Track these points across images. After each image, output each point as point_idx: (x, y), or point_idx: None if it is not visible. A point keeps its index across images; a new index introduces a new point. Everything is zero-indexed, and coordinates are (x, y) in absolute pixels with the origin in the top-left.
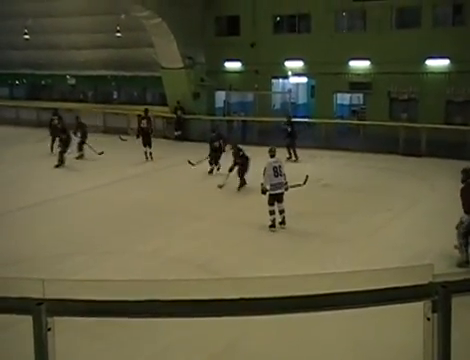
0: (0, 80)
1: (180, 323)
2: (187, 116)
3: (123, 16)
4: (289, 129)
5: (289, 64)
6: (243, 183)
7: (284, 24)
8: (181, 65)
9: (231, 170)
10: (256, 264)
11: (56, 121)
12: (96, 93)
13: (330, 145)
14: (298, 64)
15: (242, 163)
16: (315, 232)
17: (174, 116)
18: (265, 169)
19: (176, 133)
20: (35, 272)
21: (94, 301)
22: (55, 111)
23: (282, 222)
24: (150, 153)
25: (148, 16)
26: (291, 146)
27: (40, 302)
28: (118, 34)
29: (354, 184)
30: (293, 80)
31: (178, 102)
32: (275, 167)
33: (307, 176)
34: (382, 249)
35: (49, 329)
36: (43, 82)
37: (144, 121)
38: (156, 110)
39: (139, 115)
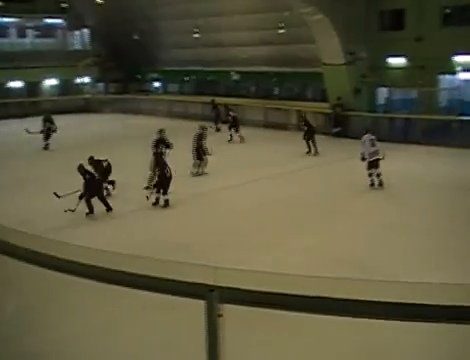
0: (172, 76)
1: (331, 322)
2: (347, 113)
3: (286, 13)
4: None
5: (459, 59)
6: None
7: (454, 16)
8: (343, 61)
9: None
10: (416, 269)
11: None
12: (258, 89)
13: None
14: (469, 59)
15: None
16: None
17: (333, 112)
18: (364, 141)
19: (335, 130)
20: (193, 261)
21: (265, 292)
22: (213, 100)
23: (380, 184)
24: (240, 136)
25: (311, 12)
26: (310, 140)
27: (212, 289)
28: (281, 31)
29: None
30: (463, 76)
31: (339, 98)
32: (371, 139)
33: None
34: None
35: (220, 315)
36: (209, 78)
37: (231, 112)
38: (316, 106)
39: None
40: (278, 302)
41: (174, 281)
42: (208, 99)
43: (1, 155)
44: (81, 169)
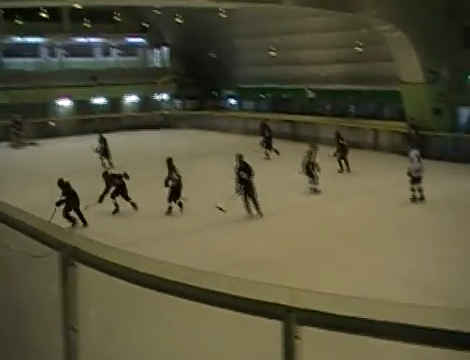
0: (247, 94)
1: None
2: (426, 133)
3: (364, 30)
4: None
5: None
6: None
7: None
8: (422, 79)
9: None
10: None
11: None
12: (334, 107)
13: None
14: None
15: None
16: None
17: (408, 132)
18: (412, 158)
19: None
20: (270, 277)
21: (345, 317)
22: (263, 121)
23: (421, 198)
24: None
25: (390, 30)
26: (343, 158)
27: (289, 310)
28: (358, 49)
29: None
30: None
31: (412, 119)
32: (418, 156)
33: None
34: None
35: (297, 337)
36: (284, 96)
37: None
38: (393, 125)
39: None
40: (356, 327)
41: (251, 300)
42: (284, 117)
43: (70, 170)
44: (61, 183)
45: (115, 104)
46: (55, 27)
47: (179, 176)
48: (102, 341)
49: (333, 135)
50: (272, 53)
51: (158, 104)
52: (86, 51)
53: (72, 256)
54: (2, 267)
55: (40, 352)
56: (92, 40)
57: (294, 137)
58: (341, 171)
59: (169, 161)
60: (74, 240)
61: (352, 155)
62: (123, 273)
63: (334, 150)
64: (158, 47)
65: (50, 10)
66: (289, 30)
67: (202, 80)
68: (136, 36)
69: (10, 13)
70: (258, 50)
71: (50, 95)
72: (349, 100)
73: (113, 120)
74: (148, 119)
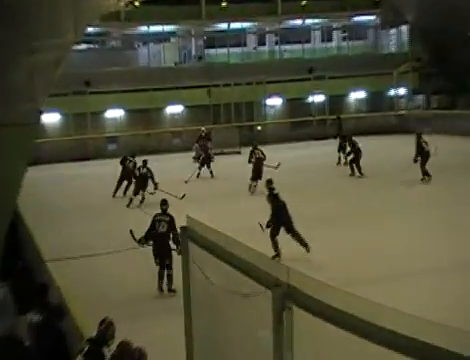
0: None
1: None
2: None
3: None
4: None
5: None
6: None
7: None
8: None
9: None
10: None
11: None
12: None
13: None
14: None
15: None
16: None
17: None
18: None
19: None
20: None
21: None
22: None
23: None
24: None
25: None
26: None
27: None
28: None
29: None
30: None
31: None
32: None
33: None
34: None
35: None
36: None
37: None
38: None
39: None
40: None
41: None
42: None
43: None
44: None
45: (336, 102)
46: (266, 8)
47: (257, 158)
48: None
49: None
50: None
51: (393, 102)
52: (302, 36)
53: (288, 296)
54: (206, 303)
55: None
56: (309, 22)
57: None
58: None
59: (255, 146)
60: (291, 277)
61: None
62: (343, 320)
63: None
64: (394, 26)
65: None
66: None
67: (453, 69)
68: (365, 14)
69: None
70: None
71: (257, 93)
72: None
73: (333, 123)
74: (379, 121)
